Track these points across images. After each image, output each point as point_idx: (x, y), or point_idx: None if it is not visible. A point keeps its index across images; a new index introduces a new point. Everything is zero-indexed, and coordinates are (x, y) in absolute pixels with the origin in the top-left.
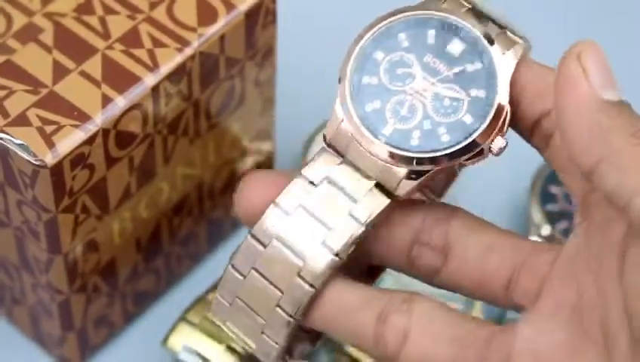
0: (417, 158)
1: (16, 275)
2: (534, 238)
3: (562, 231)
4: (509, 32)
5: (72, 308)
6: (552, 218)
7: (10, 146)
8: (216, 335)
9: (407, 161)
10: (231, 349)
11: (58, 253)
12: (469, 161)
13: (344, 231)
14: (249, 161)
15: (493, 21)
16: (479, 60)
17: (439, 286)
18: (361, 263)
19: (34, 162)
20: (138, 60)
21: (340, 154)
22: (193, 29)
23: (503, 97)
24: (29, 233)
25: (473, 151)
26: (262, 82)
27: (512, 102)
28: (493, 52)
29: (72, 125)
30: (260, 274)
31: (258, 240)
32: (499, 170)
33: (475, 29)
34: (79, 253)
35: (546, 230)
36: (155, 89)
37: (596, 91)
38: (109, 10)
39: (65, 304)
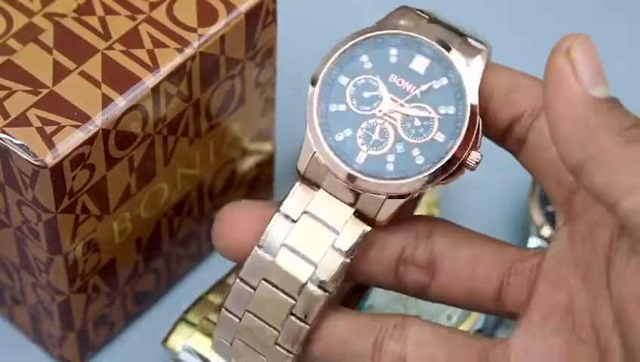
0: (392, 185)
1: (17, 275)
2: (535, 239)
3: None
4: (470, 40)
5: (72, 308)
6: (552, 219)
7: (10, 147)
8: None
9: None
10: None
11: (58, 253)
12: (446, 181)
13: (329, 265)
14: (249, 161)
15: (453, 30)
16: (444, 76)
17: (431, 301)
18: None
19: (34, 162)
20: (138, 61)
21: (315, 185)
22: (193, 30)
23: (473, 111)
24: (29, 233)
25: (449, 170)
26: (262, 82)
27: (480, 109)
28: (458, 66)
29: (72, 125)
30: (254, 315)
31: (247, 283)
32: (499, 171)
33: (437, 43)
34: (79, 253)
35: (546, 231)
36: (155, 89)
37: (585, 88)
38: (109, 11)
39: (65, 304)
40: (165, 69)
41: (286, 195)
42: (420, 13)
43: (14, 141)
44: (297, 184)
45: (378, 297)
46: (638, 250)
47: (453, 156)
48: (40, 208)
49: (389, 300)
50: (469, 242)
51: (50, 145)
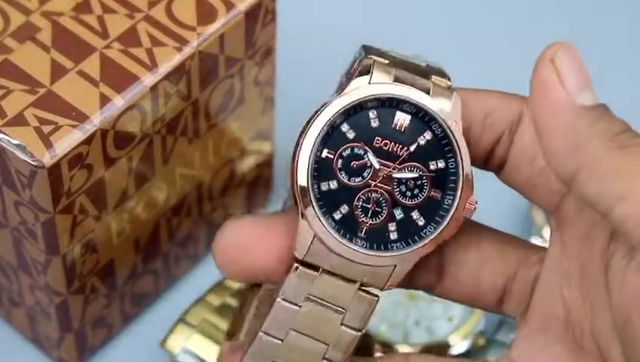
0: (401, 256)
1: (14, 277)
2: (535, 239)
3: None
4: (435, 78)
5: (70, 309)
6: None
7: (7, 146)
8: (215, 337)
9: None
10: None
11: (56, 254)
12: (450, 234)
13: (343, 343)
14: (248, 161)
15: (417, 70)
16: (428, 129)
17: (438, 296)
18: None
19: (31, 162)
20: (137, 60)
21: (315, 267)
22: (192, 28)
23: (466, 163)
24: (27, 234)
25: (453, 226)
26: (261, 82)
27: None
28: (441, 115)
29: (69, 125)
30: None
31: None
32: None
33: (413, 96)
34: (77, 254)
35: (547, 232)
36: (153, 88)
37: (572, 97)
38: (107, 9)
39: (63, 305)
40: (164, 68)
41: (282, 282)
42: (381, 60)
43: (11, 141)
44: (294, 268)
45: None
46: (636, 253)
47: (453, 217)
48: (37, 208)
49: (389, 303)
50: (475, 245)
51: (48, 145)
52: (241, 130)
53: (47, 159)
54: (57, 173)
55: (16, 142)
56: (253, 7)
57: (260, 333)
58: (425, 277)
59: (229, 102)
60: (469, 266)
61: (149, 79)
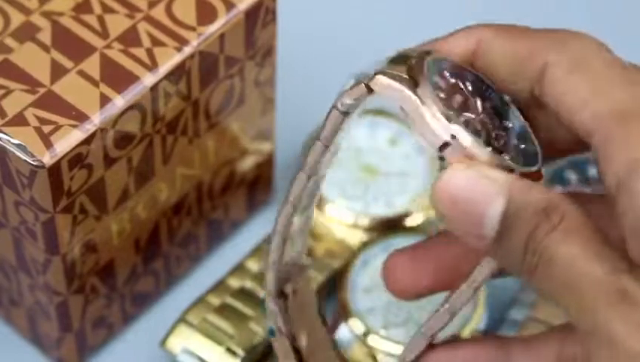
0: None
1: (14, 276)
2: None
3: None
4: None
5: (70, 309)
6: None
7: (7, 146)
8: (216, 337)
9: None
10: (230, 351)
11: (56, 253)
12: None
13: None
14: (249, 161)
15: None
16: (493, 92)
17: None
18: None
19: (31, 162)
20: (137, 59)
21: None
22: (192, 28)
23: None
24: (27, 234)
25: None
26: (262, 82)
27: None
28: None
29: (70, 125)
30: None
31: None
32: None
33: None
34: (77, 253)
35: None
36: (153, 88)
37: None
38: (107, 9)
39: (63, 305)
40: (164, 68)
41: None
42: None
43: (12, 141)
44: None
45: (377, 299)
46: None
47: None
48: (38, 208)
49: (388, 303)
50: None
51: (48, 145)
52: (241, 130)
53: (48, 159)
54: (57, 172)
55: (16, 141)
56: (254, 7)
57: None
58: None
59: (229, 102)
60: None
61: (149, 79)
